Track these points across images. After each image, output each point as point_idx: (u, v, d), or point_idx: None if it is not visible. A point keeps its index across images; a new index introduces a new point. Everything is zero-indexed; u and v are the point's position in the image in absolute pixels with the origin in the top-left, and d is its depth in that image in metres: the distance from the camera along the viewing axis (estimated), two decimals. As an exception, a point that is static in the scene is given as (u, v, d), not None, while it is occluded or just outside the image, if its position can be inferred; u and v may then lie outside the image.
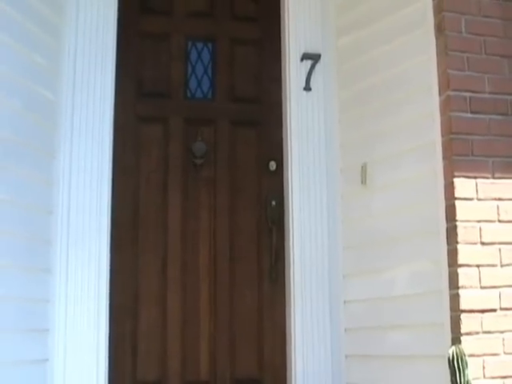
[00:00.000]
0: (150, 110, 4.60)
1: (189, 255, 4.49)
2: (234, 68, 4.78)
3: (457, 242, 3.56)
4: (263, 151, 4.66)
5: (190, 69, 4.78)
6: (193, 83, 4.79)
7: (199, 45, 4.82)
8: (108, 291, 4.15)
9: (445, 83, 3.72)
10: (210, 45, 4.83)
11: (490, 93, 3.73)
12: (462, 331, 3.49)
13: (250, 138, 4.71)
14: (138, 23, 4.65)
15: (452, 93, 3.69)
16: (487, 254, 3.59)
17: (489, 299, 3.55)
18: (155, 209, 4.50)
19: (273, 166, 4.62)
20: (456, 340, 3.47)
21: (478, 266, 3.56)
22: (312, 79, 4.53)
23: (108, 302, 4.15)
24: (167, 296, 4.42)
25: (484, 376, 3.46)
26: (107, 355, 4.11)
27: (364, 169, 4.23)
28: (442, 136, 3.73)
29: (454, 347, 3.18)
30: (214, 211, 4.58)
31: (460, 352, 3.15)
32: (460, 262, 3.55)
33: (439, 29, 3.78)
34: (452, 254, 3.59)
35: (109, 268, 4.18)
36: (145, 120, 4.55)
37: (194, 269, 4.51)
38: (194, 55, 4.82)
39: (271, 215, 4.56)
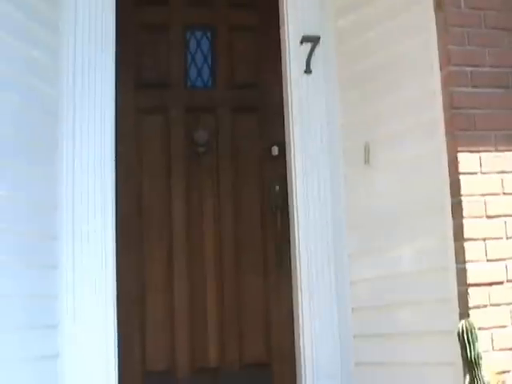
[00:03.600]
0: (150, 100, 4.60)
1: (194, 243, 4.50)
2: (234, 55, 4.78)
3: (462, 217, 3.57)
4: (265, 137, 4.66)
5: (189, 58, 4.77)
6: (193, 72, 4.79)
7: (198, 33, 4.83)
8: (115, 284, 4.15)
9: (445, 59, 3.73)
10: (208, 33, 4.83)
11: (490, 66, 3.73)
12: (470, 305, 3.50)
13: (252, 125, 4.71)
14: (137, 14, 4.64)
15: (453, 68, 3.70)
16: (493, 227, 3.60)
17: (496, 272, 3.57)
18: (159, 199, 4.50)
19: (275, 150, 4.62)
20: (464, 314, 3.48)
21: (484, 239, 3.57)
22: (312, 62, 4.52)
23: (116, 295, 4.14)
24: (174, 285, 4.43)
25: (493, 348, 3.47)
26: (116, 348, 4.10)
27: (367, 149, 4.23)
28: (444, 112, 3.73)
29: (463, 321, 3.19)
30: (217, 198, 4.59)
31: (470, 325, 3.15)
32: (466, 236, 3.56)
33: (438, 5, 3.78)
34: (458, 228, 3.60)
35: (115, 261, 4.17)
36: (146, 110, 4.55)
37: (199, 256, 4.52)
38: (193, 44, 4.82)
39: (275, 200, 4.56)
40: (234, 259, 4.53)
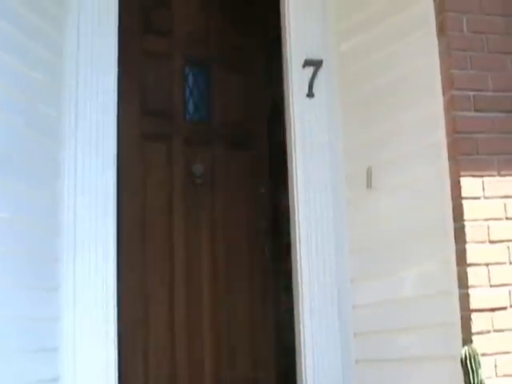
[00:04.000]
0: (153, 127, 4.64)
1: (192, 265, 4.56)
2: (229, 92, 4.91)
3: (465, 242, 3.55)
4: (256, 173, 4.87)
5: (187, 91, 4.92)
6: (191, 105, 5.00)
7: (196, 68, 5.02)
8: (116, 307, 4.10)
9: (448, 83, 3.72)
10: (206, 68, 5.06)
11: (493, 90, 3.72)
12: (473, 331, 3.46)
13: (246, 160, 4.98)
14: (140, 42, 4.71)
15: (456, 92, 3.69)
16: (496, 252, 3.57)
17: (499, 297, 3.53)
18: (159, 225, 4.53)
19: (262, 189, 4.91)
20: (467, 340, 3.45)
21: (486, 264, 3.54)
22: (315, 85, 4.51)
23: (116, 318, 4.09)
24: (174, 309, 4.45)
25: (496, 375, 3.43)
26: (117, 371, 4.05)
27: (369, 172, 4.21)
28: (447, 136, 3.72)
29: (466, 347, 3.17)
30: (213, 228, 4.79)
31: (473, 352, 3.14)
32: (469, 261, 3.53)
33: (441, 29, 3.78)
34: (460, 253, 3.58)
35: (116, 283, 4.13)
36: (148, 137, 4.57)
37: (197, 278, 4.68)
38: (191, 78, 5.04)
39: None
40: (230, 286, 4.62)
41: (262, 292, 4.92)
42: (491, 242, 3.57)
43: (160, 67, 4.77)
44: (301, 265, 4.36)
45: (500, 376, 3.43)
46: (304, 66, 4.52)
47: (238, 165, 4.91)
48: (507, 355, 3.48)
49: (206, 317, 4.66)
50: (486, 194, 3.62)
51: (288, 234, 4.50)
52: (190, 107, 4.97)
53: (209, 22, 5.07)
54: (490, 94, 3.72)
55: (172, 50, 4.85)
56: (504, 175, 3.65)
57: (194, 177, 4.72)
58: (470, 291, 3.50)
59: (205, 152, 4.84)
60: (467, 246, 3.54)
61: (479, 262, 3.54)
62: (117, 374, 4.05)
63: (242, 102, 5.04)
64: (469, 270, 3.52)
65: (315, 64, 4.51)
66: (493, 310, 3.51)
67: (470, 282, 3.51)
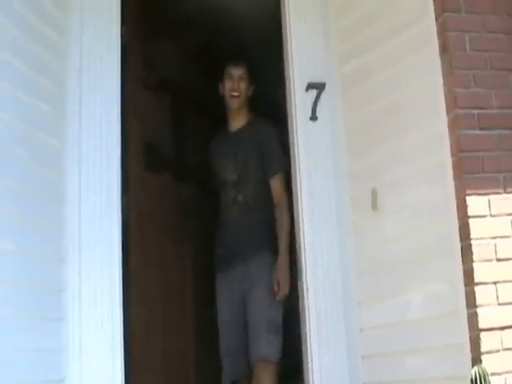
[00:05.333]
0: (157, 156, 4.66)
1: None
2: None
3: (472, 261, 3.52)
4: None
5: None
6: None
7: None
8: (122, 337, 4.09)
9: (452, 102, 3.72)
10: None
11: (497, 108, 3.72)
12: (482, 350, 3.43)
13: None
14: (142, 75, 4.72)
15: (460, 111, 3.68)
16: (503, 271, 3.55)
17: (507, 316, 3.50)
18: (165, 253, 4.52)
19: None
20: (476, 360, 3.41)
21: (494, 283, 3.52)
22: (318, 108, 4.50)
23: (123, 352, 4.07)
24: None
25: (506, 394, 3.40)
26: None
27: (374, 194, 4.19)
28: (452, 155, 3.71)
29: (476, 367, 3.12)
30: None
31: (483, 372, 3.09)
32: (476, 280, 3.50)
33: (444, 48, 3.78)
34: (468, 272, 3.55)
35: (122, 313, 4.12)
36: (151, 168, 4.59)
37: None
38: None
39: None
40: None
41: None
42: (498, 260, 3.55)
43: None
44: (307, 288, 4.33)
45: (511, 395, 3.40)
46: (307, 90, 4.52)
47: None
48: (517, 374, 3.44)
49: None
50: (493, 212, 3.60)
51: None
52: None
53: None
54: (494, 111, 3.71)
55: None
56: (510, 192, 3.63)
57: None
58: (479, 310, 3.47)
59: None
60: (474, 265, 3.51)
61: (487, 280, 3.51)
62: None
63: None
64: (476, 288, 3.49)
65: (318, 87, 4.51)
66: (502, 328, 3.47)
67: (478, 301, 3.48)
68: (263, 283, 4.56)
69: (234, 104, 4.92)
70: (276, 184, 4.77)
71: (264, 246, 4.67)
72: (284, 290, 4.48)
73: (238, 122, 4.98)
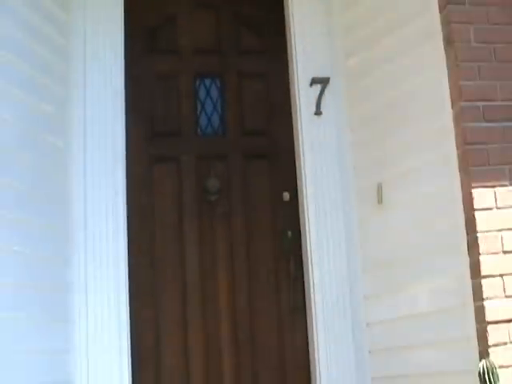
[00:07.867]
0: (162, 149, 4.58)
1: (208, 292, 4.45)
2: (243, 102, 4.77)
3: (479, 254, 3.51)
4: (276, 183, 4.64)
5: (199, 106, 4.76)
6: (203, 120, 4.78)
7: (207, 81, 4.82)
8: (129, 336, 4.11)
9: (457, 95, 3.70)
10: (217, 81, 4.83)
11: (502, 100, 3.70)
12: (490, 343, 3.42)
13: (263, 170, 4.68)
14: (146, 63, 4.66)
15: (465, 104, 3.67)
16: (510, 263, 3.53)
17: (515, 308, 3.49)
18: (172, 248, 4.47)
19: (286, 196, 4.58)
20: (484, 353, 3.41)
21: (501, 275, 3.51)
22: (322, 103, 4.51)
23: (130, 347, 4.10)
24: (188, 337, 4.37)
25: (514, 387, 3.38)
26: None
27: (379, 188, 4.19)
28: (457, 148, 3.70)
29: (483, 360, 3.12)
30: (230, 246, 4.55)
31: (490, 365, 3.08)
32: (483, 273, 3.49)
33: (448, 41, 3.77)
34: (474, 265, 3.54)
35: (129, 312, 4.13)
36: (158, 160, 4.53)
37: (213, 304, 4.47)
38: (202, 92, 4.82)
39: (287, 245, 4.53)
40: (249, 304, 4.48)
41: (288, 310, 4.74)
42: (505, 252, 3.53)
43: (168, 85, 4.72)
44: (313, 284, 4.34)
45: (518, 387, 3.38)
46: (311, 85, 4.52)
47: (258, 175, 4.78)
48: (525, 367, 3.43)
49: (225, 338, 4.54)
50: (499, 205, 3.59)
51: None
52: (203, 122, 4.87)
53: (219, 28, 4.98)
54: (499, 103, 3.70)
55: (180, 66, 4.78)
56: (516, 185, 3.62)
57: (209, 193, 4.60)
58: (486, 303, 3.46)
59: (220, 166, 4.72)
60: (481, 258, 3.50)
61: (493, 273, 3.50)
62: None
63: (261, 108, 4.86)
64: (483, 281, 3.48)
65: (322, 82, 4.51)
66: (509, 321, 3.46)
67: (485, 294, 3.47)
68: None
69: None
70: None
71: None
72: None
73: None
